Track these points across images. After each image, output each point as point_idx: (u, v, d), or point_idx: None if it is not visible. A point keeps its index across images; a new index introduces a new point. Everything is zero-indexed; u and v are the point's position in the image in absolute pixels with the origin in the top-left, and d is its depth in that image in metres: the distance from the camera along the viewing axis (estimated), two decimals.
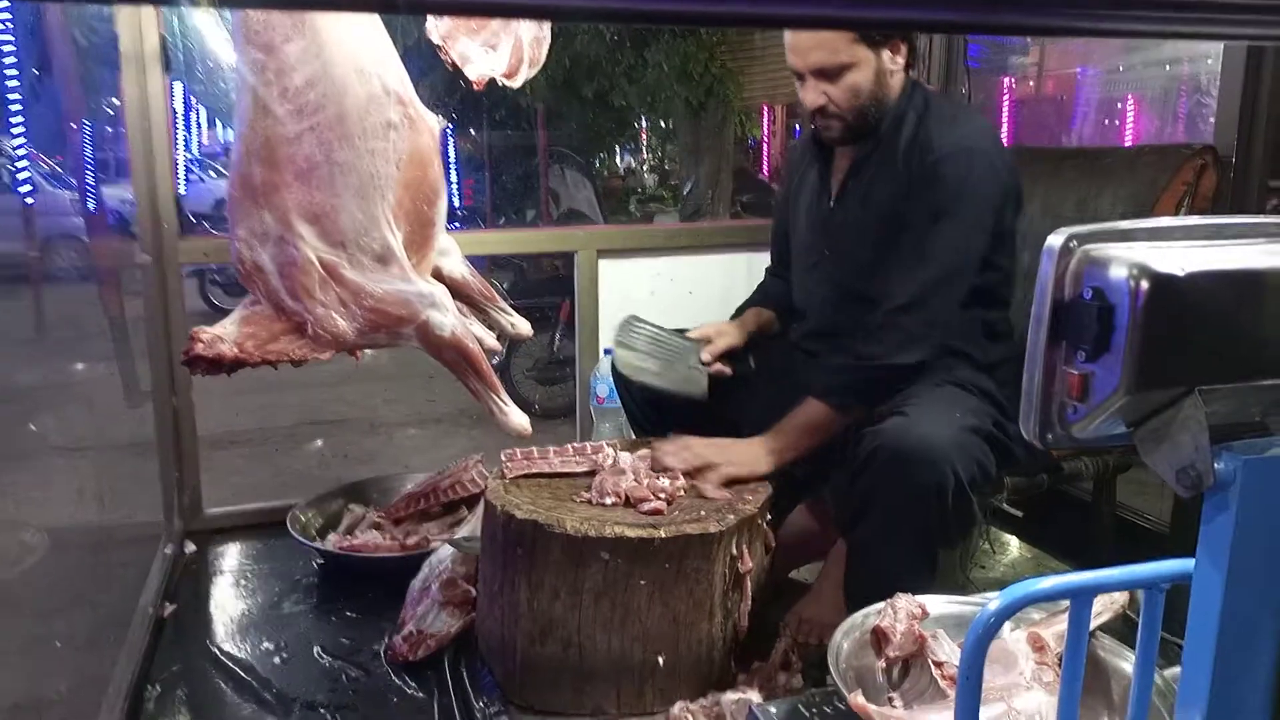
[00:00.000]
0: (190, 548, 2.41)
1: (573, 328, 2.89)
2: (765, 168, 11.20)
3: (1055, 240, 0.80)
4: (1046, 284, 0.80)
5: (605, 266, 2.74)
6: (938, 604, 1.39)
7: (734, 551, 1.68)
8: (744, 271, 2.80)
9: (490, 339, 1.73)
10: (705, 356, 1.99)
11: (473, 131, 9.84)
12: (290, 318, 1.38)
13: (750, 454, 1.78)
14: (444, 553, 2.02)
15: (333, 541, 2.27)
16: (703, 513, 1.68)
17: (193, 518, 2.51)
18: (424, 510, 2.43)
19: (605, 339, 2.78)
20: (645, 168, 12.94)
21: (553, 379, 5.37)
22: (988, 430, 1.63)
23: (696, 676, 1.68)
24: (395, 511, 2.44)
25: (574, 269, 2.74)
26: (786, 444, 1.78)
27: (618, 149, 12.79)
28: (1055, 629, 1.28)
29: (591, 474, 1.77)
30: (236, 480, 3.10)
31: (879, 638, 1.32)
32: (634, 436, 2.24)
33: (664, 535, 1.59)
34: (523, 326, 1.71)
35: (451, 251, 1.63)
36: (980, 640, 0.90)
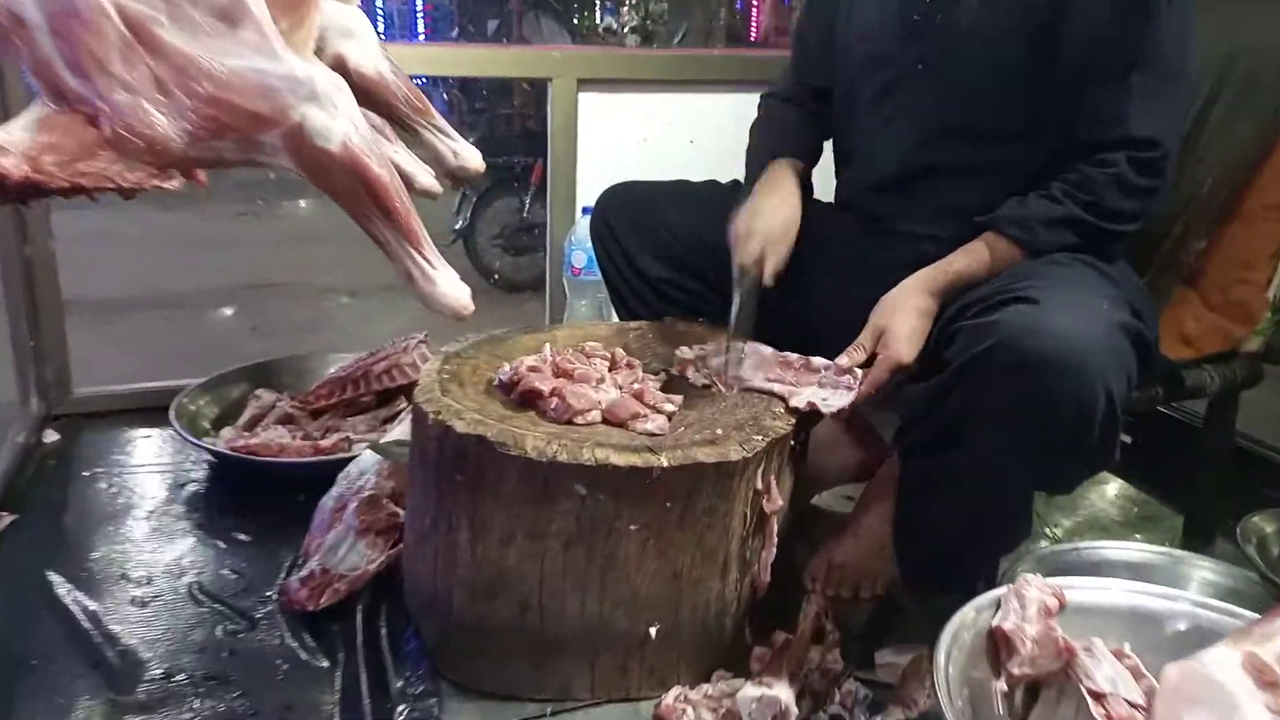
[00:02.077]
0: (51, 437, 1.91)
1: (545, 190, 2.33)
2: (754, 32, 10.37)
3: None
4: None
5: (587, 102, 2.17)
6: (1080, 588, 0.93)
7: (758, 485, 1.21)
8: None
9: (425, 176, 1.19)
10: (767, 279, 1.41)
11: None
12: (78, 109, 0.85)
13: (907, 315, 1.27)
14: (366, 461, 1.53)
15: (227, 438, 1.77)
16: (719, 431, 1.20)
17: (58, 399, 1.99)
18: (350, 401, 1.94)
19: (584, 195, 2.24)
20: (627, 29, 12.02)
21: (522, 248, 4.91)
22: (1136, 329, 1.14)
23: (700, 651, 1.23)
24: (313, 400, 1.94)
25: (547, 103, 2.17)
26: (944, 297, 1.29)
27: (598, 5, 11.86)
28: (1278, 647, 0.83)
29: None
30: (123, 355, 2.55)
31: (1000, 645, 0.87)
32: (616, 318, 1.74)
33: (666, 464, 1.11)
34: (469, 156, 1.17)
35: (361, 35, 1.08)
36: None
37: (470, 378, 1.29)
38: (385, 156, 0.93)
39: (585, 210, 2.20)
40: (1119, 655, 0.88)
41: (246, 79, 0.84)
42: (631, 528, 1.13)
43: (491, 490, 1.13)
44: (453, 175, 1.18)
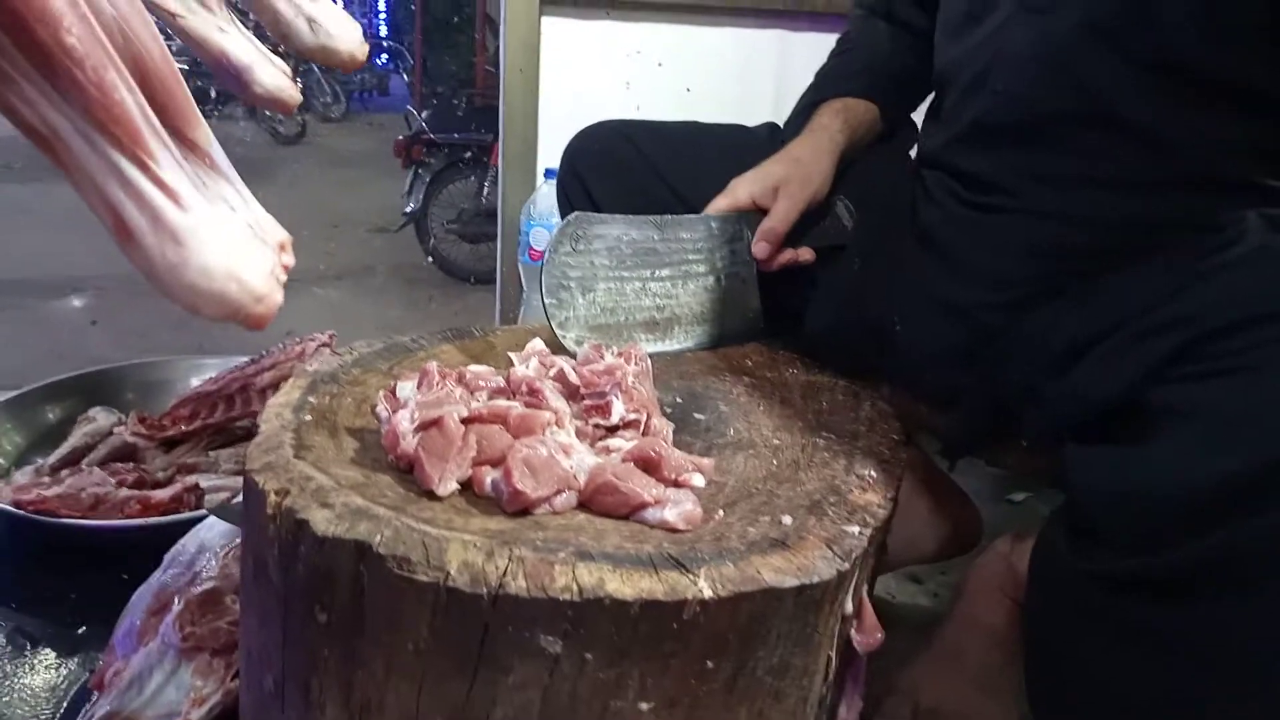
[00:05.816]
0: None
1: None
2: None
3: None
4: None
5: (553, 29, 1.65)
6: None
7: (848, 608, 0.70)
8: (793, 61, 1.71)
9: (268, 70, 0.67)
10: (757, 251, 0.99)
11: None
12: None
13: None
14: (208, 532, 1.00)
15: (17, 484, 1.21)
16: (785, 520, 0.69)
17: None
18: (220, 426, 1.40)
19: (547, 155, 1.73)
20: None
21: (480, 235, 4.46)
22: None
23: None
24: (167, 425, 1.40)
25: (500, 30, 1.65)
26: None
27: None
28: None
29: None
30: None
31: None
32: None
33: (709, 594, 0.60)
34: (340, 31, 0.62)
35: None
36: None
37: (351, 420, 0.76)
38: None
39: (549, 173, 1.69)
40: None
41: None
42: (643, 708, 0.62)
43: (383, 643, 0.61)
44: (314, 60, 0.66)
